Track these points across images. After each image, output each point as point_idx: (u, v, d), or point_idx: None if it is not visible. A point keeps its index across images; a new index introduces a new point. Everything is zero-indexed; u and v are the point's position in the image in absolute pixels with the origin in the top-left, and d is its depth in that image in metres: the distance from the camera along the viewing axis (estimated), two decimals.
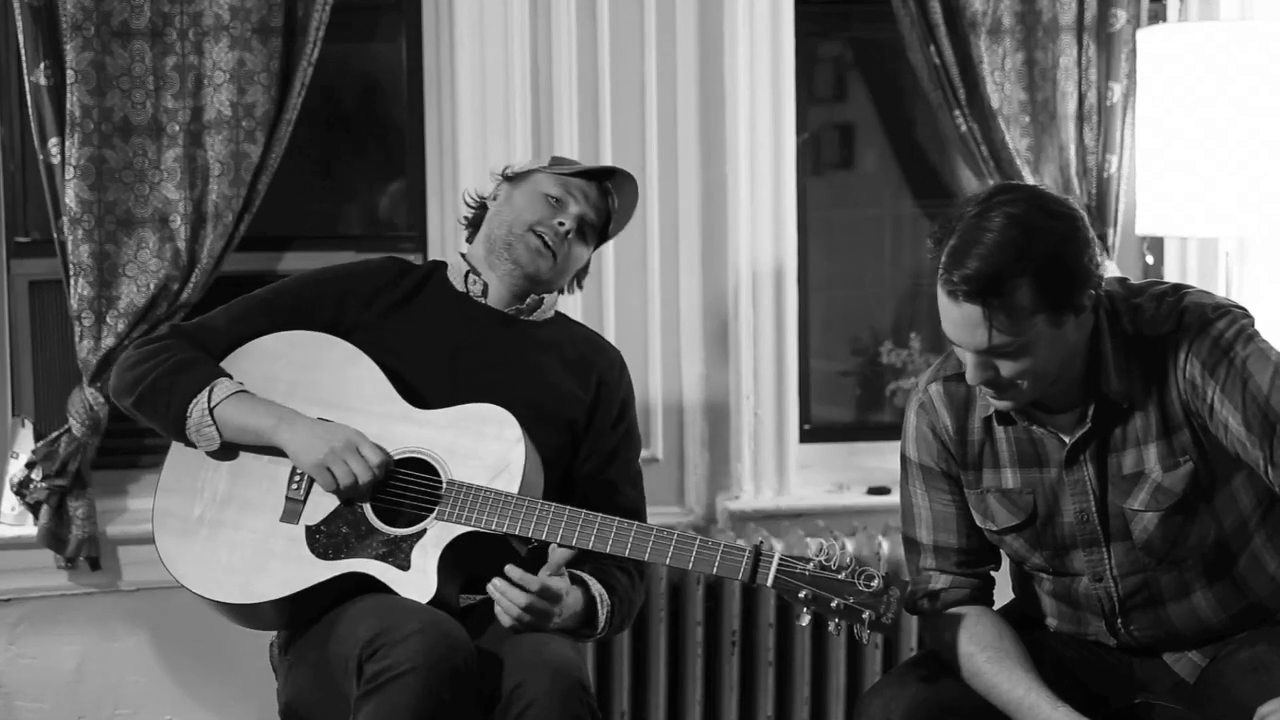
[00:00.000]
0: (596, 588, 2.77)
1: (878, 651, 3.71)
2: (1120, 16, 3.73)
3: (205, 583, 2.73)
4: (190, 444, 2.78)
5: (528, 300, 2.93)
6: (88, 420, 3.41)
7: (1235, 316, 2.45)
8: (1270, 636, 2.56)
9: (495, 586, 2.65)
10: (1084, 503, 2.54)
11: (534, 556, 2.71)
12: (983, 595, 2.66)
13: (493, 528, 2.64)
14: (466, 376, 2.81)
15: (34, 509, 3.50)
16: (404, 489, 2.71)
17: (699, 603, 3.65)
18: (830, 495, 3.91)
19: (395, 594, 2.64)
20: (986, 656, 2.55)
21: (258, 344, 2.84)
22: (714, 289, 3.81)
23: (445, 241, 3.76)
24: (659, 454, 3.79)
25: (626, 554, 2.61)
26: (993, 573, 2.68)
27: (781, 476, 3.85)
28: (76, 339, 3.41)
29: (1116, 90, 3.75)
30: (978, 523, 2.63)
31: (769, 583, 2.53)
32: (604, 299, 3.73)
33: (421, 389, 2.79)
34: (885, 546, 3.69)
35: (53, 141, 3.37)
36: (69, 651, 3.60)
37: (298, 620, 2.74)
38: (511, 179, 2.98)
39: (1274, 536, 2.57)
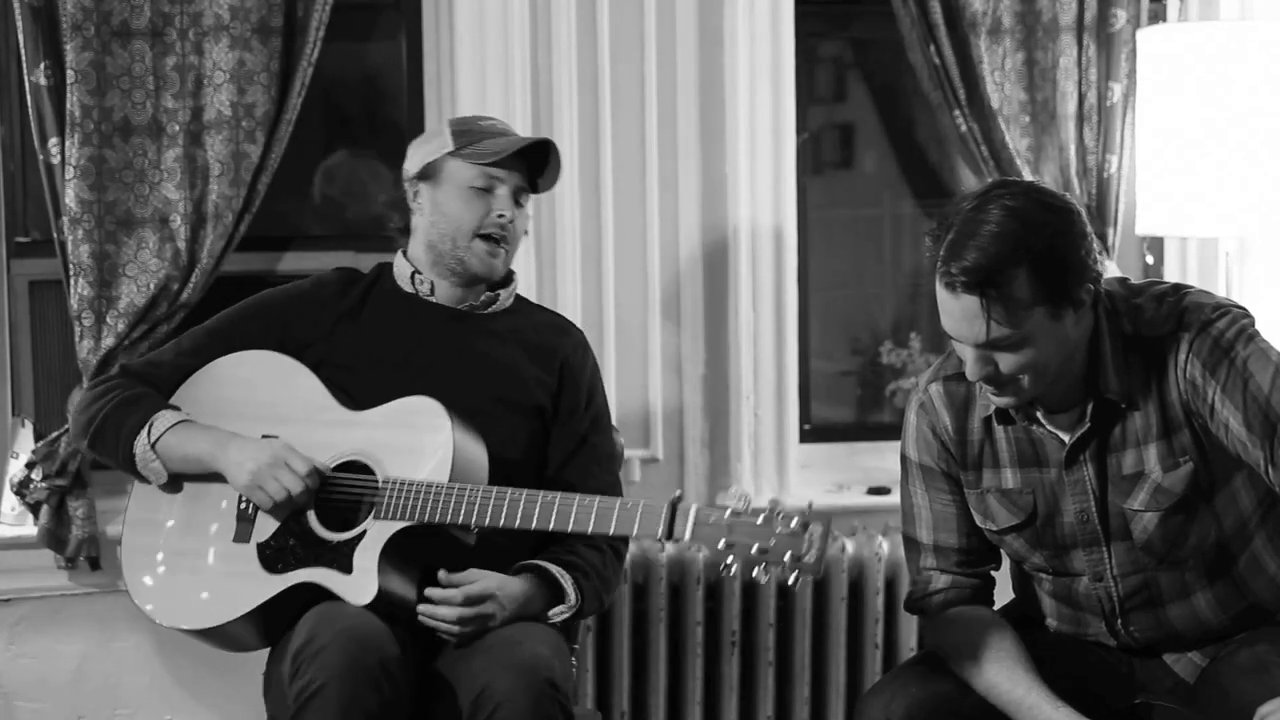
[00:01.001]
0: (551, 567, 2.77)
1: (878, 651, 3.71)
2: (1120, 16, 3.73)
3: (173, 613, 2.77)
4: (144, 479, 2.81)
5: (482, 297, 2.93)
6: None
7: (1236, 316, 2.45)
8: (1270, 636, 2.56)
9: (422, 611, 2.67)
10: (1084, 503, 2.54)
11: (484, 544, 2.69)
12: (983, 595, 2.67)
13: (425, 519, 2.64)
14: (424, 377, 2.80)
15: (34, 509, 3.49)
16: (346, 493, 2.72)
17: (699, 603, 3.65)
18: (830, 495, 3.90)
19: (342, 600, 2.64)
20: (986, 656, 2.55)
21: (206, 370, 2.88)
22: (714, 288, 3.80)
23: None
24: (659, 454, 3.78)
25: (551, 528, 2.61)
26: (993, 572, 2.68)
27: (781, 476, 3.85)
28: (76, 339, 3.41)
29: (1116, 90, 3.75)
30: (978, 523, 2.63)
31: (687, 535, 2.52)
32: (604, 298, 3.73)
33: (380, 396, 2.79)
34: (885, 547, 3.69)
35: (53, 141, 3.37)
36: (69, 651, 3.60)
37: (272, 637, 2.76)
38: (425, 176, 2.92)
39: (1274, 537, 2.57)
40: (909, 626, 3.71)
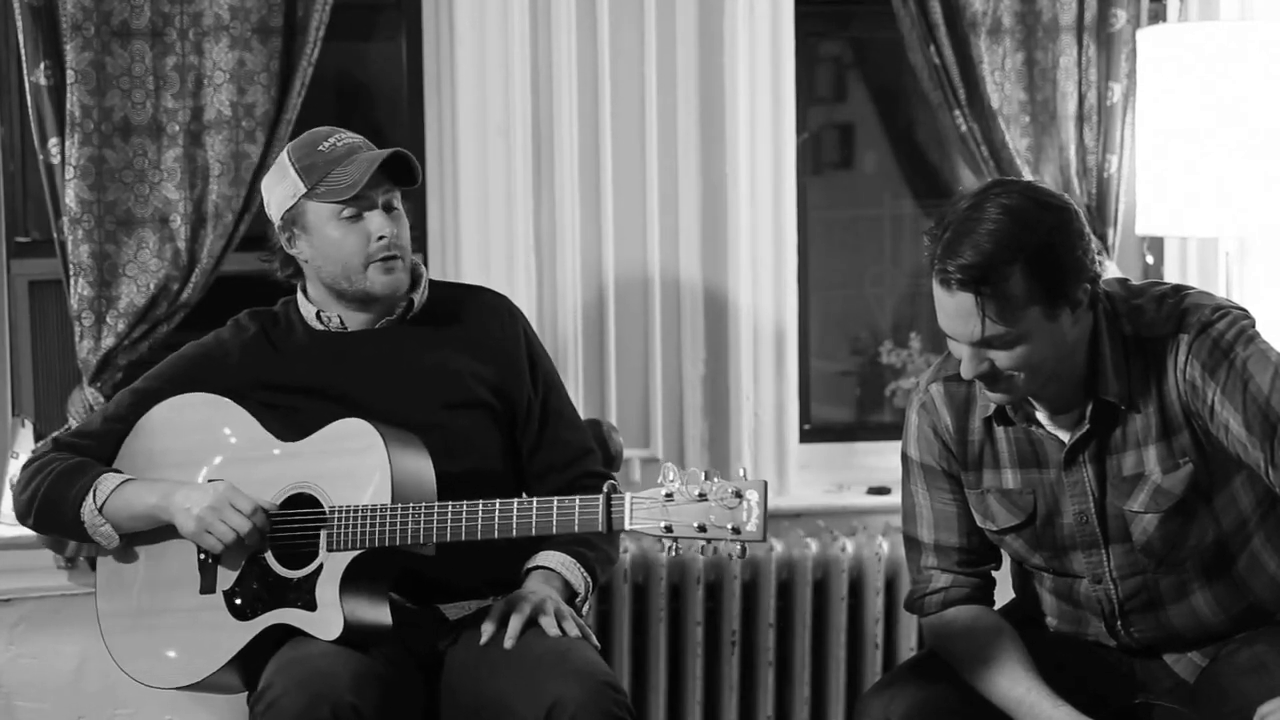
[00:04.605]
0: (553, 566, 2.78)
1: (878, 651, 3.71)
2: (1120, 16, 3.73)
3: (157, 674, 2.76)
4: (99, 546, 2.80)
5: (395, 312, 2.87)
6: None
7: (1235, 318, 2.45)
8: (1270, 636, 2.56)
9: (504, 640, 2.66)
10: (1083, 504, 2.54)
11: (446, 548, 2.67)
12: (983, 595, 2.67)
13: (375, 544, 2.62)
14: (367, 406, 2.75)
15: None
16: (298, 528, 2.70)
17: (699, 603, 3.65)
18: (830, 495, 3.91)
19: (311, 637, 2.63)
20: (986, 656, 2.55)
21: (143, 423, 2.83)
22: (714, 289, 3.80)
23: (445, 240, 3.76)
24: (659, 454, 3.78)
25: (496, 536, 2.58)
26: (993, 572, 2.68)
27: (781, 476, 3.85)
28: (76, 339, 3.41)
29: (1116, 90, 3.75)
30: (978, 523, 2.63)
31: (626, 524, 2.49)
32: (605, 299, 3.73)
33: (321, 427, 2.75)
34: (885, 547, 3.69)
35: (53, 141, 3.38)
36: (69, 651, 3.60)
37: (254, 681, 2.72)
38: (292, 222, 2.81)
39: (1273, 537, 2.57)
40: (909, 626, 3.71)
